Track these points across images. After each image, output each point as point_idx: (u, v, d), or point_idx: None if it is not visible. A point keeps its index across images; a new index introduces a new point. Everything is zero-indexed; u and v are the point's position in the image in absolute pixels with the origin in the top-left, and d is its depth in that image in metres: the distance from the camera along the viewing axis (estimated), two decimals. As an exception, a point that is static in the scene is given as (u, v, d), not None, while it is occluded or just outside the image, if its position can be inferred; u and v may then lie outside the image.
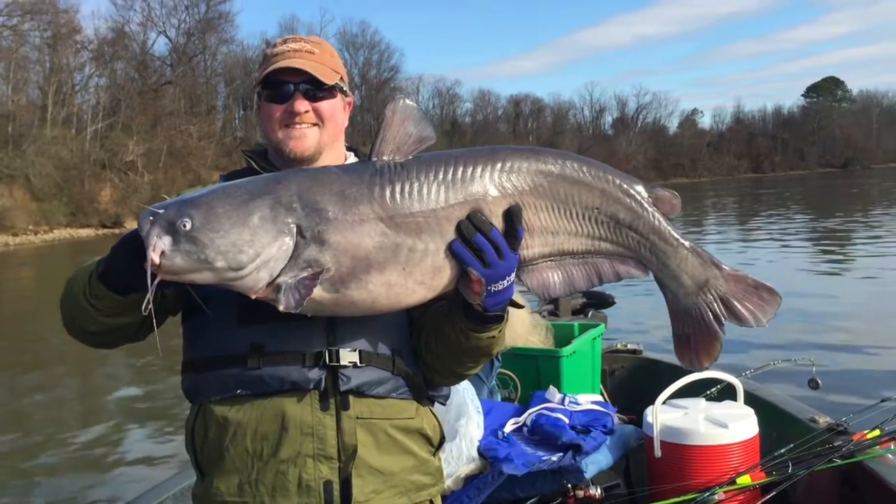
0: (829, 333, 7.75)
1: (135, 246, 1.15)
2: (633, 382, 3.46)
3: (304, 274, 1.13)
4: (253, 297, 1.15)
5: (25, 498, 5.14)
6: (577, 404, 2.75)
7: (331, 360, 1.28)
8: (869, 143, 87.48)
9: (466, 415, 2.43)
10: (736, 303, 1.25)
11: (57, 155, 36.25)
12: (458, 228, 1.17)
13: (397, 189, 1.16)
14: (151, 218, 1.11)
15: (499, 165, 1.19)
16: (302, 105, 1.36)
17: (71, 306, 1.30)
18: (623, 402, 3.18)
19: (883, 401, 2.61)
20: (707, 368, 1.32)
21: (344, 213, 1.14)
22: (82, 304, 1.25)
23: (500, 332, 1.28)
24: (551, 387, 2.85)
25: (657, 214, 1.24)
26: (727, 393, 2.65)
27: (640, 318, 8.16)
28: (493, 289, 1.18)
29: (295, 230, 1.13)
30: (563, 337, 3.22)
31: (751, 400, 2.61)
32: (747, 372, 3.03)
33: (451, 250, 1.17)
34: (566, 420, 2.62)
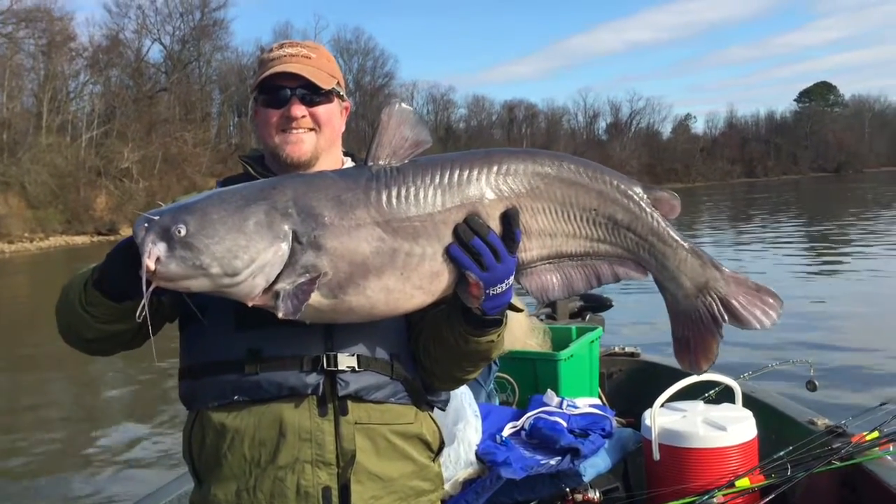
0: (826, 336, 7.78)
1: (130, 253, 1.15)
2: (631, 385, 3.45)
3: (302, 280, 1.13)
4: (250, 304, 1.14)
5: (23, 502, 5.11)
6: (575, 408, 2.74)
7: (329, 365, 1.27)
8: (861, 148, 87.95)
9: (464, 419, 2.42)
10: (737, 305, 1.24)
11: (52, 162, 36.19)
12: (456, 232, 1.17)
13: (394, 193, 1.16)
14: (146, 224, 1.11)
15: (495, 168, 1.19)
16: (298, 110, 1.36)
17: (66, 313, 1.29)
18: (621, 405, 3.18)
19: (882, 403, 2.62)
20: (705, 371, 1.31)
21: (340, 218, 1.14)
22: (78, 310, 1.24)
23: (499, 335, 1.28)
24: (549, 390, 2.85)
25: (656, 215, 1.24)
26: (725, 395, 2.65)
27: (637, 320, 8.17)
28: (491, 292, 1.18)
29: (291, 236, 1.13)
30: (560, 340, 3.22)
31: (749, 402, 2.60)
32: (745, 374, 3.03)
33: (448, 254, 1.17)
34: (564, 424, 2.61)
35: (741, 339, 6.49)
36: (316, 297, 1.14)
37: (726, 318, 1.25)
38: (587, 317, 3.91)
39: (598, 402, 2.98)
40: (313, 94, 1.37)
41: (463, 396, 2.48)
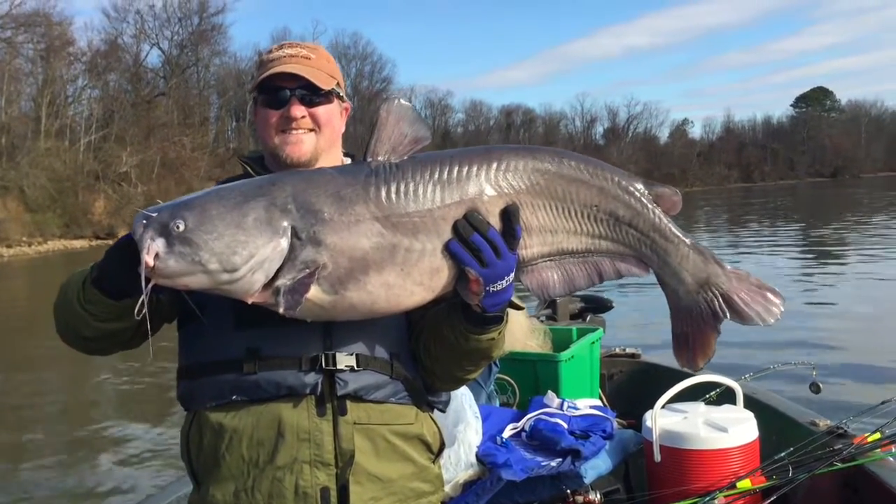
0: (828, 337, 7.78)
1: (129, 250, 1.14)
2: (632, 386, 3.44)
3: (302, 275, 1.12)
4: (250, 301, 1.14)
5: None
6: (576, 409, 2.73)
7: (327, 364, 1.27)
8: (858, 153, 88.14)
9: (464, 420, 2.41)
10: (738, 301, 1.24)
11: (51, 166, 36.22)
12: (455, 228, 1.16)
13: (393, 189, 1.15)
14: (145, 221, 1.10)
15: (495, 164, 1.19)
16: (298, 110, 1.35)
17: (64, 311, 1.28)
18: (622, 406, 3.17)
19: (883, 403, 2.60)
20: (701, 369, 1.31)
21: (340, 214, 1.13)
22: (76, 308, 1.24)
23: (499, 333, 1.27)
24: (550, 392, 2.84)
25: (657, 211, 1.23)
26: (727, 397, 2.64)
27: (638, 321, 8.18)
28: (491, 289, 1.17)
29: (290, 232, 1.12)
30: (561, 341, 3.21)
31: (750, 403, 2.59)
32: (747, 375, 3.02)
33: (448, 250, 1.16)
34: (565, 425, 2.60)
35: (742, 341, 6.51)
36: (317, 293, 1.13)
37: (727, 314, 1.24)
38: (588, 318, 3.90)
39: (598, 403, 2.97)
40: (313, 95, 1.36)
41: (463, 398, 2.47)
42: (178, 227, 1.09)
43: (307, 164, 1.37)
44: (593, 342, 3.25)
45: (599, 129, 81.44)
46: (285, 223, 1.12)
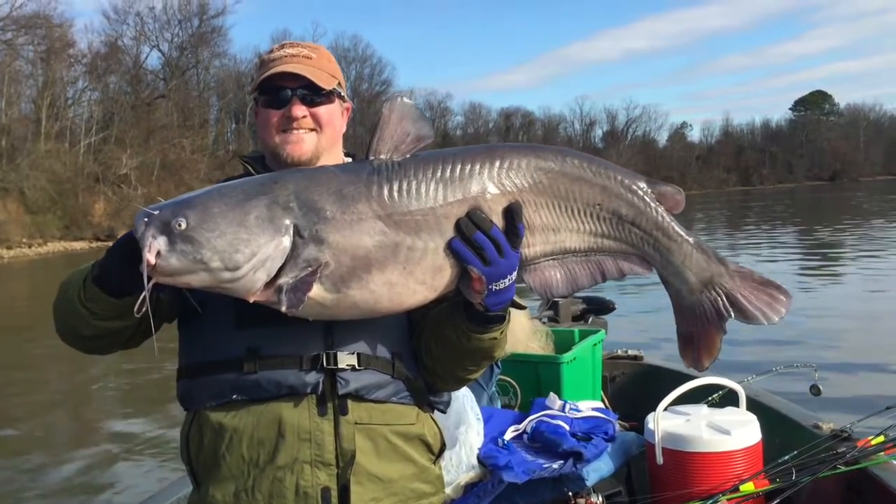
0: (831, 339, 7.78)
1: (130, 247, 1.13)
2: (634, 389, 3.43)
3: (304, 274, 1.11)
4: (252, 300, 1.13)
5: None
6: (578, 411, 2.72)
7: (328, 364, 1.26)
8: (856, 157, 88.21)
9: (466, 422, 2.40)
10: (742, 300, 1.23)
11: (51, 168, 36.27)
12: (458, 226, 1.15)
13: (395, 187, 1.15)
14: (146, 219, 1.09)
15: (497, 163, 1.18)
16: (299, 110, 1.35)
17: (64, 310, 1.27)
18: (624, 408, 3.16)
19: (888, 407, 2.59)
20: (707, 368, 1.30)
21: (342, 212, 1.13)
22: (76, 307, 1.23)
23: (501, 333, 1.26)
24: (552, 393, 2.83)
25: (660, 210, 1.23)
26: (729, 399, 2.63)
27: (640, 323, 8.16)
28: (494, 287, 1.17)
29: (292, 230, 1.12)
30: (563, 343, 3.20)
31: (753, 406, 2.58)
32: (749, 378, 3.01)
33: (451, 249, 1.15)
34: (567, 427, 2.59)
35: (745, 342, 6.51)
36: (320, 292, 1.13)
37: (732, 313, 1.23)
38: (590, 319, 3.89)
39: (600, 405, 2.96)
40: (314, 95, 1.36)
41: (465, 399, 2.46)
42: (179, 225, 1.08)
43: (308, 163, 1.37)
44: (595, 344, 3.23)
45: (598, 132, 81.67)
46: (287, 221, 1.12)
